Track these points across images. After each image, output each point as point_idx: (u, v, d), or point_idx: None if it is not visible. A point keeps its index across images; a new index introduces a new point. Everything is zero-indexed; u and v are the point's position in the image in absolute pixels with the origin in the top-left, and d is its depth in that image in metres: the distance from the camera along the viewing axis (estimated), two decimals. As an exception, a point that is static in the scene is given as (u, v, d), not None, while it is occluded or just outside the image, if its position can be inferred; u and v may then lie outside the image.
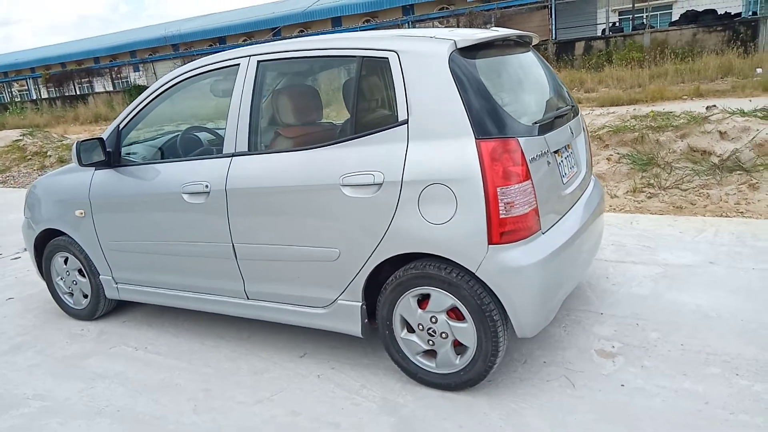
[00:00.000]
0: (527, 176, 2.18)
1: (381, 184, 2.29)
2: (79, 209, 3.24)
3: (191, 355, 2.95)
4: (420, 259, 2.33)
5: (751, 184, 4.67)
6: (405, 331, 2.45)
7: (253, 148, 2.67)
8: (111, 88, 27.15)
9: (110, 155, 3.08)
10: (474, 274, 2.19)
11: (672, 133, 5.73)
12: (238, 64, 2.76)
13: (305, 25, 29.99)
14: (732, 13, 17.51)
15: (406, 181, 2.24)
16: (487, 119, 2.18)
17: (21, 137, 12.16)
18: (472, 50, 2.34)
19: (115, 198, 3.10)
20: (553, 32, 18.79)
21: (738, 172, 4.85)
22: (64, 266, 3.50)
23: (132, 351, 3.06)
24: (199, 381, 2.68)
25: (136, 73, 29.48)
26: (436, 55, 2.26)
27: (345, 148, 2.42)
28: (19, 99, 30.61)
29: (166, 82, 3.01)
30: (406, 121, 2.28)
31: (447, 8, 25.54)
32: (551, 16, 18.85)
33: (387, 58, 2.36)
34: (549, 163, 2.39)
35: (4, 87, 33.85)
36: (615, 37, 17.35)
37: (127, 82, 28.23)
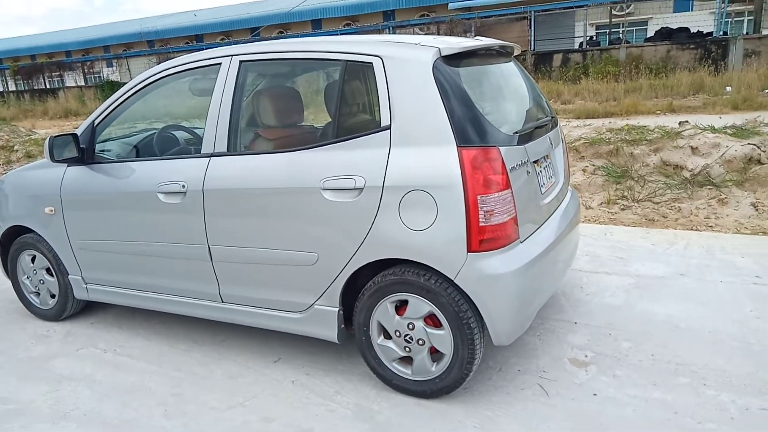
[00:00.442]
0: (507, 185, 2.20)
1: (362, 188, 2.28)
2: (49, 206, 3.15)
3: (162, 358, 2.89)
4: (399, 265, 2.33)
5: (721, 199, 4.80)
6: (382, 337, 2.44)
7: (232, 149, 2.64)
8: (83, 83, 26.52)
9: (84, 152, 3.00)
10: (452, 281, 2.20)
11: (646, 147, 5.86)
12: (220, 64, 2.72)
13: (285, 26, 29.88)
14: (704, 32, 18.04)
15: (387, 187, 2.24)
16: (469, 127, 2.19)
17: (-13, 130, 11.79)
18: (455, 58, 2.35)
19: (87, 195, 3.02)
20: (532, 43, 19.09)
21: (708, 186, 4.99)
22: (31, 265, 3.39)
23: (101, 353, 2.98)
24: (170, 385, 2.62)
25: (110, 69, 28.89)
26: (420, 62, 2.26)
27: (326, 151, 2.41)
28: (-15, 91, 29.70)
29: (145, 79, 2.95)
30: (389, 127, 2.28)
31: (428, 15, 25.77)
32: (530, 28, 19.15)
33: (371, 63, 2.36)
34: (528, 172, 2.41)
35: (-30, 78, 32.83)
36: (592, 50, 17.70)
37: (99, 77, 27.63)
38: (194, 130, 3.50)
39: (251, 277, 2.64)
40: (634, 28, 23.45)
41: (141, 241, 2.89)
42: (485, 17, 19.94)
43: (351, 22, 28.56)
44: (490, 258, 2.16)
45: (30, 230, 3.32)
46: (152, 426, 2.32)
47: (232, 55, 2.70)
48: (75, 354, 2.99)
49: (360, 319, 2.45)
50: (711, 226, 4.44)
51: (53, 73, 27.66)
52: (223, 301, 2.77)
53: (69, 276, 3.24)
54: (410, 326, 2.34)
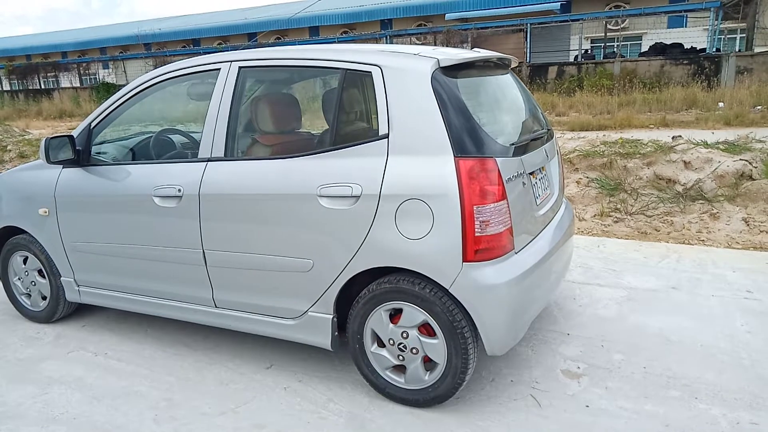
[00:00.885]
0: (503, 196, 2.22)
1: (359, 196, 2.29)
2: (43, 207, 3.13)
3: (154, 362, 2.87)
4: (394, 274, 2.33)
5: (712, 214, 4.84)
6: (375, 345, 2.44)
7: (229, 154, 2.64)
8: (78, 84, 26.45)
9: (80, 153, 2.99)
10: (447, 290, 2.20)
11: (639, 161, 5.91)
12: (219, 69, 2.73)
13: (282, 32, 29.96)
14: (698, 48, 18.28)
15: (384, 195, 2.25)
16: (467, 138, 2.21)
17: (-20, 129, 11.72)
18: (454, 69, 2.37)
19: (82, 197, 3.01)
20: (528, 55, 19.26)
21: (700, 201, 5.03)
22: (23, 266, 3.37)
23: (91, 356, 2.96)
24: (161, 390, 2.60)
25: (105, 71, 28.85)
26: (419, 72, 2.28)
27: (324, 158, 2.41)
28: (-21, 90, 29.53)
29: (143, 83, 2.95)
30: (387, 136, 2.29)
31: (425, 25, 25.94)
32: (526, 40, 19.33)
33: (370, 72, 2.37)
34: (524, 184, 2.43)
35: (-36, 76, 32.65)
36: (587, 63, 17.88)
37: (95, 78, 27.58)
38: (191, 134, 3.50)
39: (245, 283, 2.63)
40: (629, 43, 23.71)
41: (135, 245, 2.88)
42: (482, 28, 20.10)
43: (348, 30, 28.69)
44: (485, 268, 2.17)
45: (23, 231, 3.30)
46: (143, 431, 2.30)
47: (231, 61, 2.71)
48: (65, 357, 2.96)
49: (354, 326, 2.45)
50: (703, 241, 4.48)
51: (48, 74, 27.57)
52: (216, 306, 2.76)
53: (61, 278, 3.22)
54: (404, 335, 2.34)
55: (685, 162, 5.44)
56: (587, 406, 2.34)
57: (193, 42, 31.94)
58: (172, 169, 2.77)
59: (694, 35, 19.75)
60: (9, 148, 10.45)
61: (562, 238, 2.77)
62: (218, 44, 30.17)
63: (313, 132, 3.16)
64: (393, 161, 2.27)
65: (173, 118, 4.98)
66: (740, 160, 5.24)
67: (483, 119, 2.37)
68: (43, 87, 26.76)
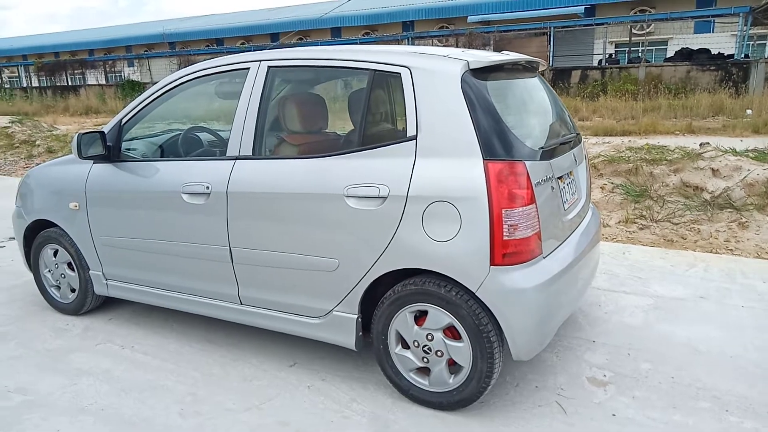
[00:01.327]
0: (532, 200, 2.20)
1: (386, 197, 2.29)
2: (73, 202, 3.19)
3: (179, 357, 2.90)
4: (419, 275, 2.33)
5: (741, 223, 4.75)
6: (399, 346, 2.44)
7: (257, 153, 2.66)
8: (104, 82, 26.92)
9: (110, 149, 3.04)
10: (474, 293, 2.19)
11: (666, 167, 5.82)
12: (248, 68, 2.75)
13: (305, 33, 30.12)
14: (725, 54, 17.94)
15: (411, 197, 2.24)
16: (496, 141, 2.19)
17: (10, 124, 12.00)
18: (483, 72, 2.36)
19: (111, 193, 3.06)
20: (551, 59, 19.10)
21: (728, 209, 4.94)
22: (53, 259, 3.43)
23: (118, 349, 3.00)
24: (186, 384, 2.63)
25: (131, 69, 29.32)
26: (448, 74, 2.27)
27: (351, 159, 2.42)
28: (8, 86, 30.22)
29: (173, 81, 2.99)
30: (415, 137, 2.29)
31: (447, 27, 25.86)
32: (549, 43, 19.17)
33: (399, 73, 2.37)
34: (553, 188, 2.41)
35: (-6, 72, 33.44)
36: (611, 68, 17.67)
37: (120, 76, 28.05)
38: (218, 133, 3.54)
39: (271, 281, 2.65)
40: (654, 48, 23.36)
41: (163, 240, 2.91)
42: (504, 31, 19.99)
43: (370, 32, 28.75)
44: (513, 272, 2.16)
45: (53, 224, 3.36)
46: (169, 425, 2.32)
47: (260, 60, 2.73)
48: (93, 349, 3.01)
49: (378, 327, 2.45)
50: (731, 250, 4.39)
51: (75, 71, 28.10)
52: (241, 303, 2.78)
53: (90, 271, 3.28)
54: (429, 337, 2.33)
55: (713, 169, 5.35)
56: (614, 415, 2.31)
57: (216, 41, 32.29)
58: (201, 167, 2.81)
59: (722, 41, 19.38)
60: (38, 143, 10.67)
61: (589, 245, 2.74)
62: (241, 44, 30.47)
63: (339, 132, 3.17)
64: (421, 163, 2.26)
65: (196, 116, 5.04)
66: (771, 168, 5.13)
67: (511, 122, 2.35)
68: (70, 84, 27.29)
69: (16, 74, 34.27)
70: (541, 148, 2.39)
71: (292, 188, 2.50)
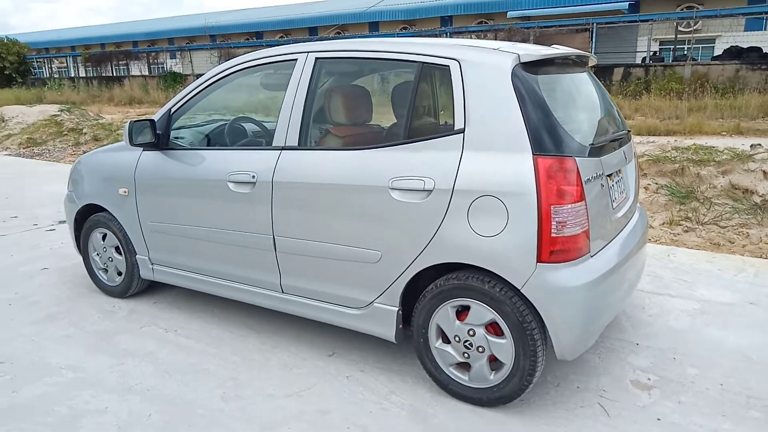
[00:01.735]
0: (582, 197, 2.16)
1: (431, 190, 2.28)
2: (123, 187, 3.28)
3: (220, 342, 2.96)
4: (462, 270, 2.31)
5: (794, 228, 4.56)
6: (440, 341, 2.43)
7: (303, 143, 2.68)
8: (147, 73, 27.58)
9: (159, 137, 3.12)
10: (519, 290, 2.17)
11: (714, 168, 5.63)
12: (296, 59, 2.77)
13: (342, 27, 30.21)
14: (777, 53, 17.21)
15: (457, 190, 2.23)
16: (546, 136, 2.16)
17: (59, 113, 12.43)
18: (533, 65, 2.32)
19: (160, 180, 3.14)
20: (592, 56, 18.63)
21: (781, 213, 4.74)
22: (102, 242, 3.54)
23: (162, 332, 3.08)
24: (228, 369, 2.69)
25: (173, 60, 29.95)
26: (499, 67, 2.24)
27: (396, 151, 2.42)
28: (57, 76, 31.29)
29: (222, 71, 3.04)
30: (463, 130, 2.27)
31: (485, 23, 25.56)
32: (591, 40, 18.75)
33: (448, 66, 2.35)
34: (602, 186, 2.36)
35: (44, 62, 34.65)
36: (655, 66, 17.16)
37: (163, 68, 28.68)
38: (263, 123, 3.58)
39: (313, 271, 2.67)
40: (701, 46, 22.57)
41: (208, 227, 2.97)
42: (545, 27, 19.63)
43: (408, 26, 28.64)
44: (560, 270, 2.12)
45: (103, 209, 3.47)
46: (211, 408, 2.38)
47: (308, 52, 2.75)
48: (138, 331, 3.10)
49: (419, 321, 2.44)
50: (783, 256, 4.22)
51: (120, 62, 28.90)
52: (283, 292, 2.82)
53: (136, 256, 3.37)
54: (471, 332, 2.32)
55: (764, 172, 5.15)
56: (659, 420, 2.26)
57: (255, 35, 32.70)
58: (247, 156, 2.85)
59: (775, 39, 18.58)
60: (84, 131, 11.03)
61: (636, 246, 2.67)
62: (280, 37, 30.77)
63: (383, 125, 3.17)
64: (468, 156, 2.24)
65: (240, 108, 5.08)
66: (828, 172, 4.91)
67: (561, 117, 2.31)
68: (114, 74, 28.08)
69: (65, 65, 35.45)
70: (592, 144, 2.34)
71: (337, 179, 2.51)
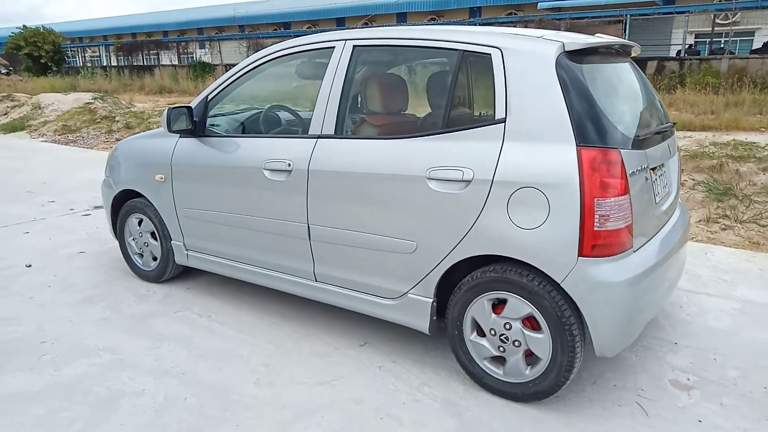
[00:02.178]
0: (626, 190, 2.10)
1: (470, 181, 2.25)
2: (159, 174, 3.32)
3: (253, 328, 2.98)
4: (500, 262, 2.28)
5: (840, 228, 4.39)
6: (475, 333, 2.40)
7: (339, 132, 2.67)
8: (177, 62, 27.91)
9: (196, 124, 3.14)
10: (558, 284, 2.12)
11: (754, 165, 5.46)
12: (333, 47, 2.76)
13: (370, 18, 30.08)
14: (821, 47, 16.58)
15: (497, 181, 2.19)
16: (590, 127, 2.10)
17: (92, 101, 12.68)
18: (578, 54, 2.26)
19: (196, 166, 3.16)
20: (625, 48, 18.20)
21: (826, 213, 4.57)
22: (138, 228, 3.60)
23: (196, 317, 3.12)
24: (261, 355, 2.71)
25: (202, 50, 30.24)
26: (543, 56, 2.19)
27: (434, 141, 2.39)
28: (90, 65, 31.89)
29: (258, 59, 3.04)
30: (504, 120, 2.23)
31: (515, 14, 25.18)
32: (625, 32, 18.31)
33: (489, 54, 2.31)
34: (647, 179, 2.30)
35: (78, 52, 35.35)
36: (690, 59, 16.69)
37: (192, 57, 28.99)
38: (297, 112, 3.58)
39: (347, 260, 2.67)
40: (739, 39, 21.87)
41: (243, 215, 2.99)
42: (577, 18, 19.23)
43: (436, 18, 28.38)
44: (602, 265, 2.07)
45: (139, 195, 3.52)
46: (245, 393, 2.40)
47: (346, 39, 2.73)
48: (173, 315, 3.15)
49: (454, 313, 2.42)
50: (828, 257, 4.07)
51: (151, 51, 29.29)
52: (316, 280, 2.82)
53: (172, 241, 3.41)
54: (507, 326, 2.28)
55: (810, 169, 4.96)
56: (700, 421, 2.20)
57: (283, 25, 32.81)
58: (283, 144, 2.85)
59: (819, 32, 17.91)
60: (117, 119, 11.22)
61: (678, 243, 2.60)
62: (307, 28, 30.80)
63: (418, 114, 3.14)
64: (509, 147, 2.20)
65: (274, 97, 5.08)
66: None
67: (605, 108, 2.25)
68: (145, 64, 28.49)
69: (98, 54, 36.12)
70: (636, 136, 2.28)
71: (374, 169, 2.50)
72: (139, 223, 3.58)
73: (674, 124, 2.84)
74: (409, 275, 2.49)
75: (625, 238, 2.12)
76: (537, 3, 23.56)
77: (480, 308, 2.35)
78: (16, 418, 2.22)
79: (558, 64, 2.16)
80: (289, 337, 2.89)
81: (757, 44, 19.51)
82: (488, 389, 2.39)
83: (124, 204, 3.64)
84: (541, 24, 18.94)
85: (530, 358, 2.29)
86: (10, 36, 29.93)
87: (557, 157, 2.10)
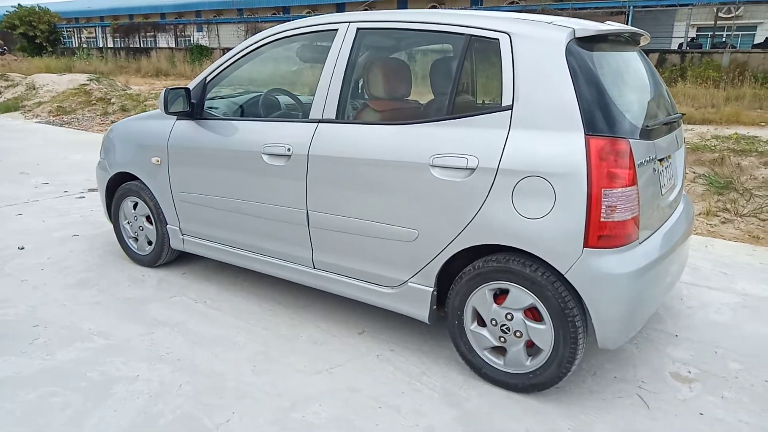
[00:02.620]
0: (633, 181, 2.06)
1: (474, 169, 2.20)
2: (156, 156, 3.25)
3: (250, 315, 2.94)
4: (503, 252, 2.24)
5: (841, 223, 4.37)
6: (475, 323, 2.37)
7: (341, 117, 2.61)
8: (174, 45, 27.61)
9: (194, 107, 3.07)
10: (562, 275, 2.09)
11: (756, 159, 5.44)
12: (336, 30, 2.69)
13: (370, 4, 29.76)
14: (823, 42, 16.52)
15: (502, 169, 2.14)
16: (599, 115, 2.05)
17: (88, 82, 12.52)
18: (588, 41, 2.21)
19: (193, 149, 3.10)
20: (626, 40, 18.08)
21: (827, 208, 4.55)
22: (133, 211, 3.54)
23: (192, 303, 3.08)
24: (258, 342, 2.67)
25: (200, 33, 29.87)
26: (553, 42, 2.13)
27: (439, 127, 2.33)
28: (86, 46, 31.50)
29: (258, 41, 2.96)
30: (510, 107, 2.18)
31: (517, 3, 24.96)
32: (627, 23, 18.18)
33: (497, 39, 2.25)
34: (655, 170, 2.25)
35: (74, 32, 34.91)
36: (692, 52, 16.60)
37: (189, 41, 28.65)
38: (297, 96, 3.51)
39: (347, 247, 2.62)
40: (741, 33, 21.78)
41: (240, 199, 2.93)
42: (579, 9, 19.07)
43: (437, 5, 28.11)
44: (608, 256, 2.03)
45: (135, 178, 3.45)
46: (242, 381, 2.36)
47: (349, 22, 2.66)
48: (168, 300, 3.10)
49: (455, 302, 2.38)
50: (829, 252, 4.06)
51: (148, 34, 28.95)
52: (314, 267, 2.78)
53: (167, 225, 3.36)
54: (508, 316, 2.25)
55: (812, 164, 4.94)
56: (701, 414, 2.18)
57: (283, 9, 32.44)
58: (283, 129, 2.79)
59: (821, 27, 17.84)
60: (113, 101, 11.09)
61: (683, 236, 2.56)
62: (307, 12, 30.44)
63: (421, 100, 3.08)
64: (515, 135, 2.15)
65: (260, 81, 4.97)
66: None
67: (614, 97, 2.20)
68: (142, 46, 28.17)
69: (94, 35, 35.67)
70: (646, 126, 2.23)
71: (376, 155, 2.44)
72: (135, 206, 3.52)
73: (683, 115, 2.78)
74: (410, 264, 2.45)
75: (631, 230, 2.08)
76: (539, -8, 23.34)
77: (481, 298, 2.31)
78: (6, 403, 2.18)
79: (568, 51, 2.11)
80: (285, 324, 2.85)
81: (759, 38, 19.46)
82: (488, 379, 2.36)
83: (119, 187, 3.58)
84: (544, 13, 18.78)
85: (531, 348, 2.26)
86: (4, 15, 29.50)
87: (565, 146, 2.05)
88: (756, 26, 21.19)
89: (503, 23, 2.27)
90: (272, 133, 2.79)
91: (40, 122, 10.56)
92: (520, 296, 2.21)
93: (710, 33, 19.93)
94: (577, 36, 2.15)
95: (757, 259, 3.86)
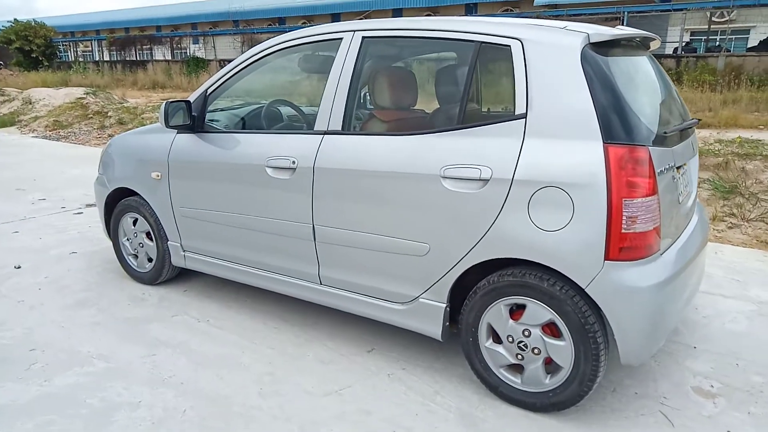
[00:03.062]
0: (654, 190, 1.99)
1: (488, 180, 2.12)
2: (156, 171, 3.17)
3: (254, 334, 2.85)
4: (519, 266, 2.16)
5: None
6: (491, 340, 2.28)
7: (347, 128, 2.54)
8: (170, 57, 27.58)
9: (195, 119, 2.99)
10: (582, 289, 2.01)
11: (760, 163, 5.38)
12: (341, 38, 2.62)
13: (366, 14, 29.87)
14: (817, 44, 16.58)
15: (517, 180, 2.07)
16: (618, 123, 1.98)
17: (84, 96, 12.44)
18: (603, 47, 2.14)
19: (194, 164, 3.02)
20: (622, 46, 18.12)
21: (837, 212, 4.49)
22: (133, 227, 3.45)
23: (194, 322, 2.98)
24: (263, 363, 2.57)
25: (196, 45, 29.88)
26: (567, 48, 2.07)
27: (450, 137, 2.26)
28: (82, 59, 31.47)
29: (261, 51, 2.89)
30: (524, 116, 2.11)
31: (511, 10, 25.07)
32: (622, 29, 18.21)
33: (509, 46, 2.18)
34: (674, 178, 2.18)
35: (70, 46, 34.88)
36: (687, 56, 16.64)
37: (186, 53, 28.65)
38: (300, 108, 3.44)
39: (355, 262, 2.54)
40: (734, 37, 21.88)
41: (244, 215, 2.85)
42: (574, 15, 19.14)
43: (432, 13, 28.22)
44: (630, 269, 1.96)
45: (134, 193, 3.36)
46: (249, 405, 2.26)
47: (354, 30, 2.59)
48: (170, 320, 3.01)
49: (468, 319, 2.30)
50: (841, 257, 3.99)
51: (144, 46, 28.92)
52: (321, 283, 2.69)
53: (168, 242, 3.27)
54: (525, 333, 2.17)
55: (819, 168, 4.88)
56: (729, 432, 2.09)
57: (278, 21, 32.52)
58: (287, 141, 2.71)
59: (815, 30, 17.92)
60: (110, 114, 11.01)
61: (700, 245, 2.49)
62: (302, 23, 30.54)
63: (431, 110, 3.01)
64: (530, 144, 2.08)
65: (262, 93, 4.91)
66: None
67: (631, 103, 2.13)
68: (138, 59, 28.13)
69: (90, 48, 35.65)
70: (664, 132, 2.16)
71: (384, 166, 2.37)
72: (134, 222, 3.43)
73: (699, 121, 2.72)
74: (421, 279, 2.37)
75: (652, 241, 2.00)
76: (533, 0, 23.48)
77: (497, 314, 2.23)
78: (3, 432, 2.08)
79: (583, 57, 2.04)
80: (291, 343, 2.76)
81: (753, 42, 19.54)
82: (504, 398, 2.27)
83: (118, 202, 3.49)
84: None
85: (550, 366, 2.17)
86: (0, 30, 29.49)
87: (582, 155, 1.98)
88: (749, 30, 21.29)
89: (515, 29, 2.20)
90: (276, 146, 2.72)
91: (36, 137, 10.46)
92: (538, 311, 2.12)
93: (704, 37, 20.00)
94: (591, 41, 2.09)
95: (770, 266, 3.78)
